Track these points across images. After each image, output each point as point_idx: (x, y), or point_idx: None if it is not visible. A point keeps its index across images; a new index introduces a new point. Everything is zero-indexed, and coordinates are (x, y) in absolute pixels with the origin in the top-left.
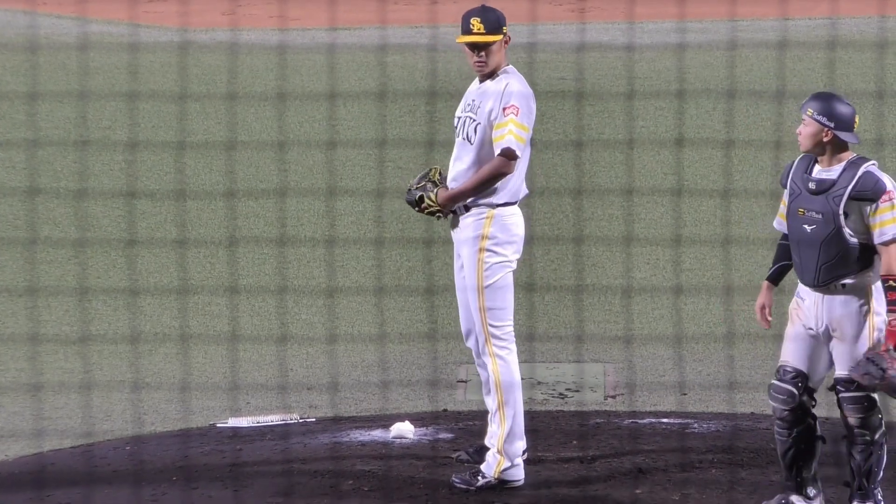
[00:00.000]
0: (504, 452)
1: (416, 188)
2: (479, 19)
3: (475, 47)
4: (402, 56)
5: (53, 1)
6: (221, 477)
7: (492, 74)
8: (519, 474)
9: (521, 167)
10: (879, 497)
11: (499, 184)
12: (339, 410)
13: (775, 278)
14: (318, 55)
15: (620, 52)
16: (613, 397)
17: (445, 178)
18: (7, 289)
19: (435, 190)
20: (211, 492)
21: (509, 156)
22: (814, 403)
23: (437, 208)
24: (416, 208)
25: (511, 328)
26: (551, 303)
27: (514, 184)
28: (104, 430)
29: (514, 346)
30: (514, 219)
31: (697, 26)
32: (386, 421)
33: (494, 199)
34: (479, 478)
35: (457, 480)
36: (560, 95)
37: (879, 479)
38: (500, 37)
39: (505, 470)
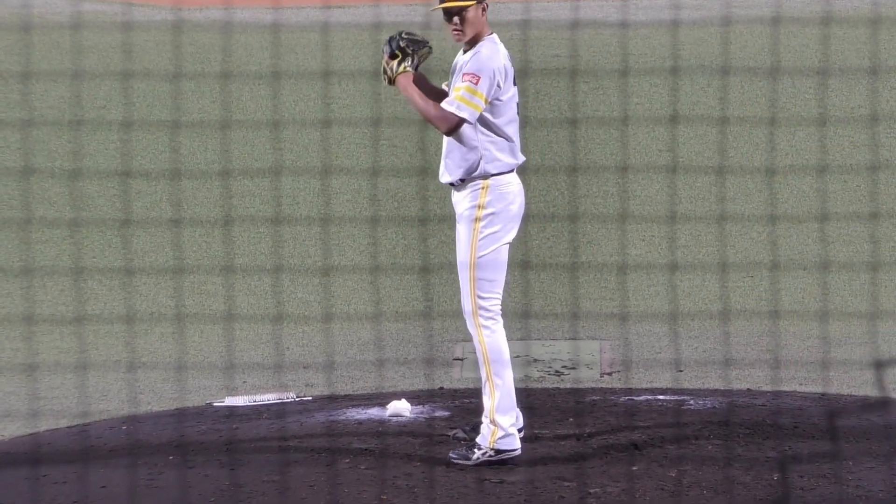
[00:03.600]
0: (497, 423)
1: (408, 46)
2: None
3: (449, 14)
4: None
5: None
6: (218, 456)
7: (473, 44)
8: (515, 443)
9: (506, 133)
10: None
11: (486, 154)
12: (335, 389)
13: None
14: (312, 33)
15: (615, 28)
16: (609, 374)
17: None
18: (2, 269)
19: (409, 66)
20: (207, 471)
21: (446, 117)
22: None
23: (388, 76)
24: (387, 51)
25: (498, 302)
26: (547, 280)
27: (503, 153)
28: (100, 410)
29: (500, 319)
30: (511, 188)
31: (692, 2)
32: (382, 399)
33: (487, 169)
34: (476, 450)
35: (454, 457)
36: (555, 73)
37: None
38: (473, 2)
39: (500, 439)
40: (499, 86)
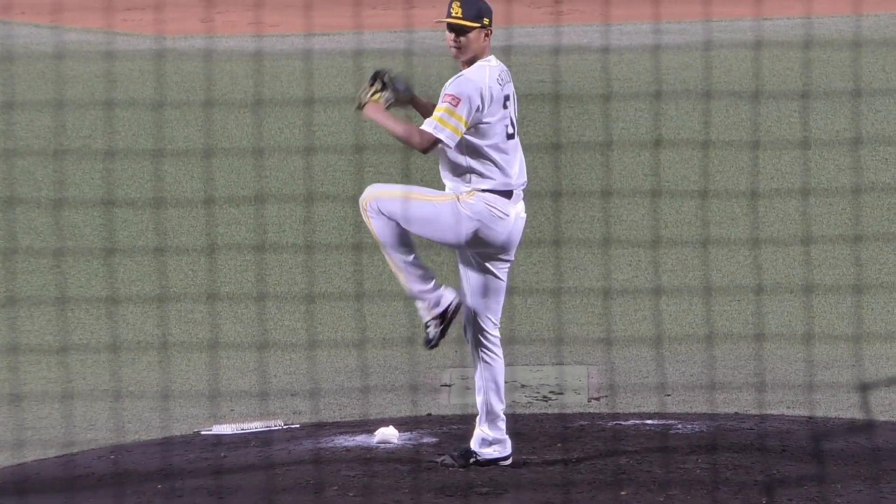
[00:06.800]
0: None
1: (391, 83)
2: (458, 4)
3: (451, 29)
4: (379, 61)
5: (30, 10)
6: (206, 484)
7: (469, 65)
8: (449, 296)
9: (494, 156)
10: None
11: (474, 176)
12: (322, 416)
13: None
14: (295, 61)
15: (598, 54)
16: (597, 399)
17: (403, 90)
18: None
19: (382, 98)
20: (195, 499)
21: (420, 134)
22: None
23: (359, 102)
24: (369, 80)
25: (496, 331)
26: (533, 306)
27: (493, 173)
28: (87, 440)
29: (499, 349)
30: (503, 209)
31: (674, 27)
32: (370, 426)
33: (477, 186)
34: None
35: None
36: (538, 98)
37: None
38: (478, 25)
39: (433, 308)
40: (479, 109)
